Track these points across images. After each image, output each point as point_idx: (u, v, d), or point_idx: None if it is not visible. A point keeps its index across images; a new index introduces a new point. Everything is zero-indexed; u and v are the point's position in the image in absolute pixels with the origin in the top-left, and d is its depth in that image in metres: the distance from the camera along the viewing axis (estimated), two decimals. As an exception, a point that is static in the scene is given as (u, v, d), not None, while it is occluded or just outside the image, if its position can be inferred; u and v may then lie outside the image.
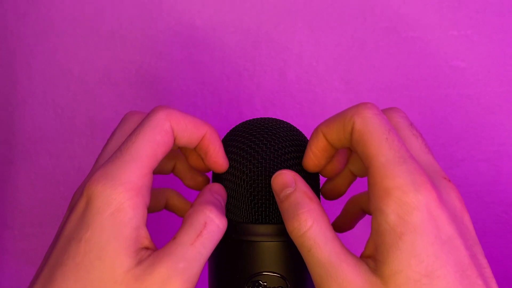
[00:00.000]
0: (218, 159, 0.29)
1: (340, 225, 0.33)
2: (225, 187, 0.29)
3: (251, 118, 0.32)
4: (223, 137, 0.31)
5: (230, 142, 0.30)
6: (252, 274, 0.27)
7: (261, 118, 0.31)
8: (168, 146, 0.26)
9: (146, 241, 0.24)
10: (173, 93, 0.46)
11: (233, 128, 0.31)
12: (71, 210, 0.24)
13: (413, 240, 0.22)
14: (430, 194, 0.22)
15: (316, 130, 0.28)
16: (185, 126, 0.27)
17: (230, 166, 0.29)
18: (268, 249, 0.27)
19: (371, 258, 0.23)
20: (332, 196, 0.31)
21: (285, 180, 0.27)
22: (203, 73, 0.46)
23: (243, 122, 0.31)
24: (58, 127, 0.47)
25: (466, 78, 0.45)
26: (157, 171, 0.31)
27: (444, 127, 0.45)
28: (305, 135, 0.31)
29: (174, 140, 0.26)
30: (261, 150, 0.29)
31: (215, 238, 0.25)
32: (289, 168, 0.29)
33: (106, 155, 0.28)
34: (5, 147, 0.48)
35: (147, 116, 0.26)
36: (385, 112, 0.27)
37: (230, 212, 0.29)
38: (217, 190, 0.29)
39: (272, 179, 0.27)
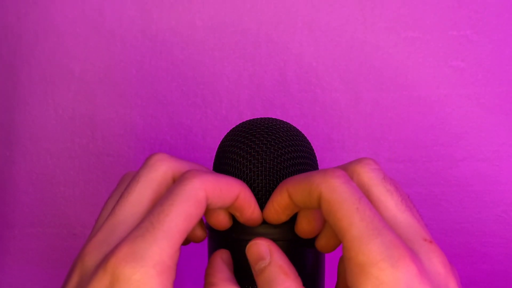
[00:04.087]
0: (255, 216, 0.27)
1: None
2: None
3: (251, 118, 0.32)
4: (223, 137, 0.31)
5: (230, 142, 0.30)
6: (252, 274, 0.27)
7: (261, 118, 0.31)
8: (200, 217, 0.24)
9: None
10: (173, 93, 0.46)
11: (233, 128, 0.31)
12: (88, 283, 0.22)
13: None
14: (410, 268, 0.21)
15: (281, 186, 0.26)
16: (219, 192, 0.25)
17: (230, 166, 0.29)
18: None
19: None
20: (327, 249, 0.29)
21: (260, 251, 0.25)
22: (203, 73, 0.46)
23: (243, 122, 0.31)
24: (58, 127, 0.47)
25: (466, 78, 0.45)
26: None
27: (444, 127, 0.45)
28: (305, 136, 0.31)
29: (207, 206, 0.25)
30: (261, 150, 0.28)
31: None
32: (289, 169, 0.28)
33: (118, 220, 0.25)
34: (5, 147, 0.48)
35: (180, 183, 0.24)
36: (355, 166, 0.25)
37: (230, 212, 0.29)
38: (230, 262, 0.28)
39: (246, 248, 0.26)
